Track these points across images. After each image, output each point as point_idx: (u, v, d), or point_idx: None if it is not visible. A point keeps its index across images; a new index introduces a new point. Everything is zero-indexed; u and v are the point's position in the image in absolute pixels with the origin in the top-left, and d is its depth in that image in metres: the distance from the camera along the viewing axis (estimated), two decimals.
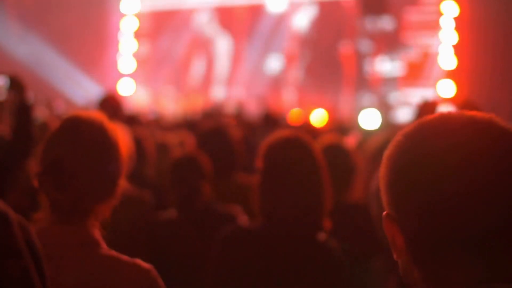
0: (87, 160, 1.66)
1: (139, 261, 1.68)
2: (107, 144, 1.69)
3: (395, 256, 1.09)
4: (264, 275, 2.22)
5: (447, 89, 10.70)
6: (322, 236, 2.28)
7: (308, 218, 2.24)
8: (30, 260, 1.06)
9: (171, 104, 13.21)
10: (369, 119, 7.23)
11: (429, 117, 1.10)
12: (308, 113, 8.88)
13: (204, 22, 13.71)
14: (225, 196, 3.35)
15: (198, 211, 3.08)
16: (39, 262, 1.11)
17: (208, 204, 3.12)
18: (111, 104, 5.19)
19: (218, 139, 3.68)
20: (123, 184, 1.73)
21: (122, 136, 1.74)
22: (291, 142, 2.30)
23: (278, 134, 2.36)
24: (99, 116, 1.72)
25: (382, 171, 1.09)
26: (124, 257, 1.67)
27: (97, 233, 1.67)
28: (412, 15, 11.74)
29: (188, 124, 7.29)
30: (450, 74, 10.90)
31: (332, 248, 2.26)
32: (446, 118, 1.08)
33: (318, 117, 7.83)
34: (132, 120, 6.07)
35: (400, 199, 1.05)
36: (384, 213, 1.08)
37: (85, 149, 1.66)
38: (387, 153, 1.10)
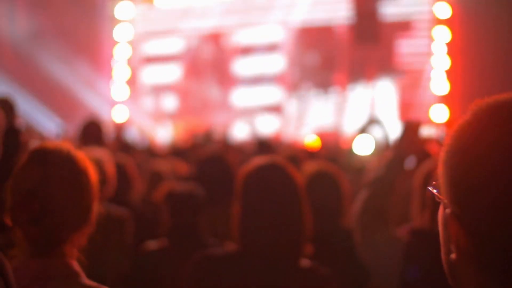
0: (58, 190, 1.66)
1: None
2: (76, 172, 1.69)
3: (454, 257, 0.96)
4: None
5: (440, 114, 10.73)
6: (305, 262, 2.24)
7: (288, 244, 2.19)
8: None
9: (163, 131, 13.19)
10: (365, 144, 7.17)
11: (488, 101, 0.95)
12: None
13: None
14: (223, 223, 3.31)
15: (191, 244, 3.03)
16: None
17: (202, 237, 3.08)
18: (93, 130, 5.17)
19: (217, 166, 3.66)
20: (97, 209, 1.73)
21: (90, 162, 1.74)
22: (269, 168, 2.28)
23: (256, 160, 2.34)
24: (65, 145, 1.73)
25: (442, 166, 0.96)
26: None
27: (75, 264, 1.67)
28: (404, 41, 11.80)
29: (179, 152, 7.23)
30: (443, 99, 10.92)
31: (318, 275, 2.21)
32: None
33: (313, 141, 7.79)
34: (125, 148, 6.03)
35: (469, 194, 0.91)
36: (448, 210, 0.95)
37: (56, 180, 1.67)
38: (444, 147, 0.96)
